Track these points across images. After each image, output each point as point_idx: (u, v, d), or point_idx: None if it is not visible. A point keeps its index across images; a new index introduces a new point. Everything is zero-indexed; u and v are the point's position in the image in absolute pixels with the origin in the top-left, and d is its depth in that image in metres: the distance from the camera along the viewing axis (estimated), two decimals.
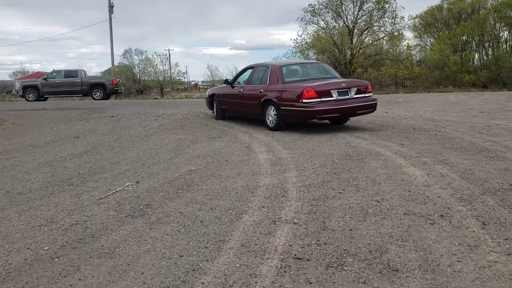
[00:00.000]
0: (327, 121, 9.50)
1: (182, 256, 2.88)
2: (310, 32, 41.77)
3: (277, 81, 9.09)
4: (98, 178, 5.12)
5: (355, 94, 8.86)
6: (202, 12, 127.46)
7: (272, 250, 2.93)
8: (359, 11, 40.24)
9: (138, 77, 53.25)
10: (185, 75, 77.85)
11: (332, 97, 8.46)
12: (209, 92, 12.30)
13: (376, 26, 40.73)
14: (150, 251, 2.97)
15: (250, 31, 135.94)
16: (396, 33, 40.46)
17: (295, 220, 3.47)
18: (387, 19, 40.09)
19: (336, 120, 9.62)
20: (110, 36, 34.41)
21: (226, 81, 11.15)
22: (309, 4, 40.24)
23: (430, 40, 46.77)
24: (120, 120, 11.31)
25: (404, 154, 6.00)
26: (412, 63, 39.07)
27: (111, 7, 34.11)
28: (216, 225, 3.42)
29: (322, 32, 41.88)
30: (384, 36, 41.10)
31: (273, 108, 8.93)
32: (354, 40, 41.19)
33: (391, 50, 40.88)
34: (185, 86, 77.30)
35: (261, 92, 9.18)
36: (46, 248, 3.05)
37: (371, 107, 9.15)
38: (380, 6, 39.16)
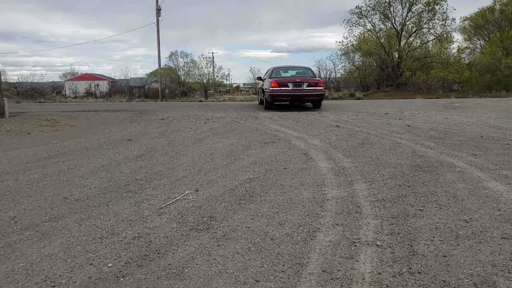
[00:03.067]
0: (351, 118, 9.04)
1: (259, 281, 2.59)
2: (356, 34, 40.97)
3: (269, 77, 15.24)
4: (155, 185, 4.93)
5: (307, 87, 14.43)
6: (245, 16, 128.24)
7: (359, 278, 2.59)
8: (407, 12, 39.09)
9: (182, 79, 53.99)
10: (228, 78, 78.38)
11: (289, 87, 14.36)
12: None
13: (425, 28, 39.43)
14: (222, 273, 2.69)
15: (292, 33, 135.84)
16: (445, 36, 39.02)
17: (377, 242, 3.10)
18: (437, 21, 38.74)
19: (294, 102, 15.30)
20: (157, 39, 34.97)
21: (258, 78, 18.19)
22: (356, 6, 39.48)
23: (480, 43, 44.83)
24: (170, 123, 11.24)
25: (479, 165, 5.49)
26: (462, 66, 37.48)
27: (158, 10, 34.67)
28: (289, 245, 3.11)
29: (368, 34, 40.98)
30: (434, 39, 39.68)
31: (262, 93, 15.80)
32: (402, 43, 40.00)
33: (440, 52, 39.42)
34: (227, 88, 77.79)
35: (261, 84, 15.96)
36: (110, 265, 2.83)
37: (317, 96, 14.78)
38: (430, 7, 37.86)
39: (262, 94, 16.55)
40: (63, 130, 11.34)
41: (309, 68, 17.11)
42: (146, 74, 71.22)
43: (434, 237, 3.19)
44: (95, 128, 11.28)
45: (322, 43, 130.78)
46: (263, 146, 7.51)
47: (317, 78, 15.46)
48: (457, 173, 5.11)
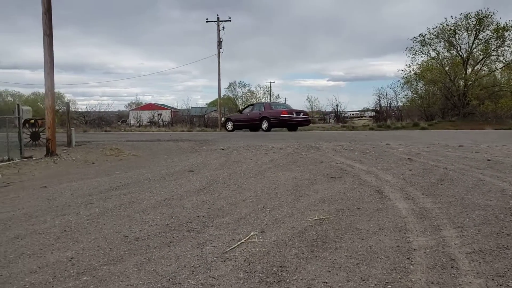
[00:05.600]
0: (423, 151, 8.28)
1: None
2: (419, 62, 39.69)
3: (269, 108, 22.55)
4: (218, 223, 4.59)
5: (302, 115, 23.08)
6: (301, 46, 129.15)
7: None
8: (474, 39, 37.39)
9: (240, 108, 54.67)
10: None
11: (293, 115, 22.18)
12: (224, 117, 27.34)
13: (493, 55, 37.46)
14: None
15: (349, 62, 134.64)
16: None
17: None
18: (507, 48, 36.70)
19: (291, 127, 22.93)
20: (218, 69, 35.70)
21: (238, 111, 25.43)
22: (420, 34, 38.39)
23: None
24: (231, 154, 11.03)
25: None
26: None
27: (219, 42, 35.52)
28: None
29: (432, 62, 39.56)
30: (503, 66, 37.57)
31: (266, 121, 21.97)
32: (468, 71, 38.18)
33: (510, 80, 37.20)
34: None
35: (259, 114, 22.35)
36: None
37: (308, 122, 24.01)
38: (499, 34, 35.98)
39: (264, 120, 22.71)
40: (127, 159, 11.45)
41: (286, 103, 27.89)
42: (206, 103, 72.91)
43: None
44: (158, 158, 11.29)
45: (381, 71, 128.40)
46: (330, 181, 7.02)
47: (304, 110, 26.67)
48: None
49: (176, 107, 63.13)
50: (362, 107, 71.57)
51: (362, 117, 64.88)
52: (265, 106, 23.43)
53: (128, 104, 77.57)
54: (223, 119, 27.34)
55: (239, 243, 3.91)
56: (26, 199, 6.25)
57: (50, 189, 7.12)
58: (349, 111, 57.81)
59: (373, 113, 46.21)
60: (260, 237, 4.08)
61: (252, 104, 25.23)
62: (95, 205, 5.62)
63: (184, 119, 41.69)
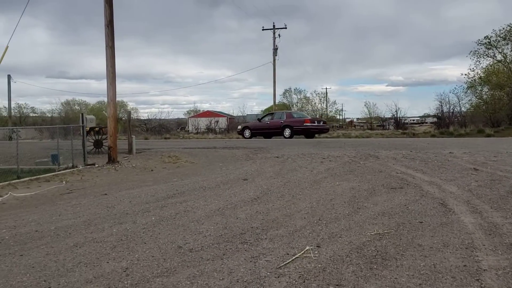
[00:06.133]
0: (490, 160, 7.67)
1: None
2: (483, 66, 37.66)
3: (290, 117, 23.96)
4: (272, 236, 4.49)
5: (322, 123, 25.12)
6: (358, 51, 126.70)
7: None
8: None
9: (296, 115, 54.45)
10: (341, 113, 77.25)
11: (314, 123, 23.84)
12: (241, 125, 27.64)
13: None
14: None
15: (408, 67, 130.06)
16: None
17: None
18: None
19: (308, 135, 23.93)
20: (273, 76, 35.82)
21: (258, 119, 26.32)
22: (485, 36, 36.42)
23: None
24: (285, 162, 10.91)
25: None
26: None
27: (275, 49, 35.63)
28: None
29: (498, 65, 37.39)
30: None
31: (288, 129, 23.17)
32: None
33: None
34: (340, 123, 76.61)
35: (281, 122, 23.57)
36: None
37: (326, 129, 25.78)
38: None
39: (286, 128, 23.74)
40: (184, 167, 11.66)
41: (304, 112, 29.66)
42: (261, 110, 73.33)
43: None
44: (213, 165, 11.39)
45: (443, 76, 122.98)
46: (390, 192, 6.72)
47: (322, 118, 30.00)
48: None
49: (232, 114, 63.96)
50: (422, 113, 68.97)
51: (423, 123, 62.44)
52: (286, 115, 24.73)
53: (186, 111, 79.56)
54: (239, 127, 27.59)
55: (293, 258, 3.79)
56: (87, 206, 6.47)
57: (110, 196, 7.34)
58: (409, 117, 55.87)
59: (435, 119, 44.30)
60: (316, 252, 3.94)
61: (271, 113, 26.26)
62: (151, 214, 5.71)
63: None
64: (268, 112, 27.07)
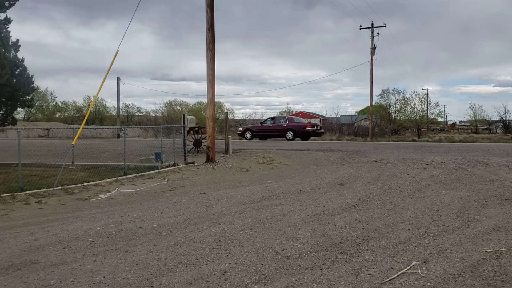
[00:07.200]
0: None
1: None
2: None
3: (292, 121, 27.14)
4: (374, 247, 4.22)
5: (319, 128, 28.77)
6: (462, 50, 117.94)
7: None
8: None
9: (393, 117, 52.21)
10: (443, 115, 72.54)
11: (314, 128, 27.17)
12: (243, 127, 29.57)
13: None
14: None
15: None
16: None
17: None
18: None
19: (303, 137, 26.26)
20: (370, 76, 34.69)
21: (260, 123, 28.88)
22: None
23: None
24: (384, 167, 10.40)
25: None
26: None
27: (373, 49, 34.46)
28: None
29: None
30: None
31: (291, 132, 25.95)
32: None
33: None
34: (441, 126, 71.94)
35: (284, 126, 26.28)
36: None
37: (323, 133, 28.87)
38: None
39: (289, 132, 26.19)
40: (277, 168, 11.64)
41: (299, 118, 33.91)
42: (356, 112, 71.44)
43: None
44: (307, 168, 11.23)
45: None
46: (505, 204, 6.06)
47: (319, 123, 34.01)
48: None
49: (325, 115, 63.14)
50: None
51: None
52: (289, 119, 27.72)
53: (279, 112, 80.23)
54: (240, 129, 29.67)
55: (399, 273, 3.51)
56: (186, 205, 6.68)
57: (208, 195, 7.52)
58: None
59: None
60: (424, 268, 3.61)
61: (272, 118, 28.31)
62: (248, 215, 5.71)
63: (333, 127, 41.38)
64: (269, 117, 29.04)
